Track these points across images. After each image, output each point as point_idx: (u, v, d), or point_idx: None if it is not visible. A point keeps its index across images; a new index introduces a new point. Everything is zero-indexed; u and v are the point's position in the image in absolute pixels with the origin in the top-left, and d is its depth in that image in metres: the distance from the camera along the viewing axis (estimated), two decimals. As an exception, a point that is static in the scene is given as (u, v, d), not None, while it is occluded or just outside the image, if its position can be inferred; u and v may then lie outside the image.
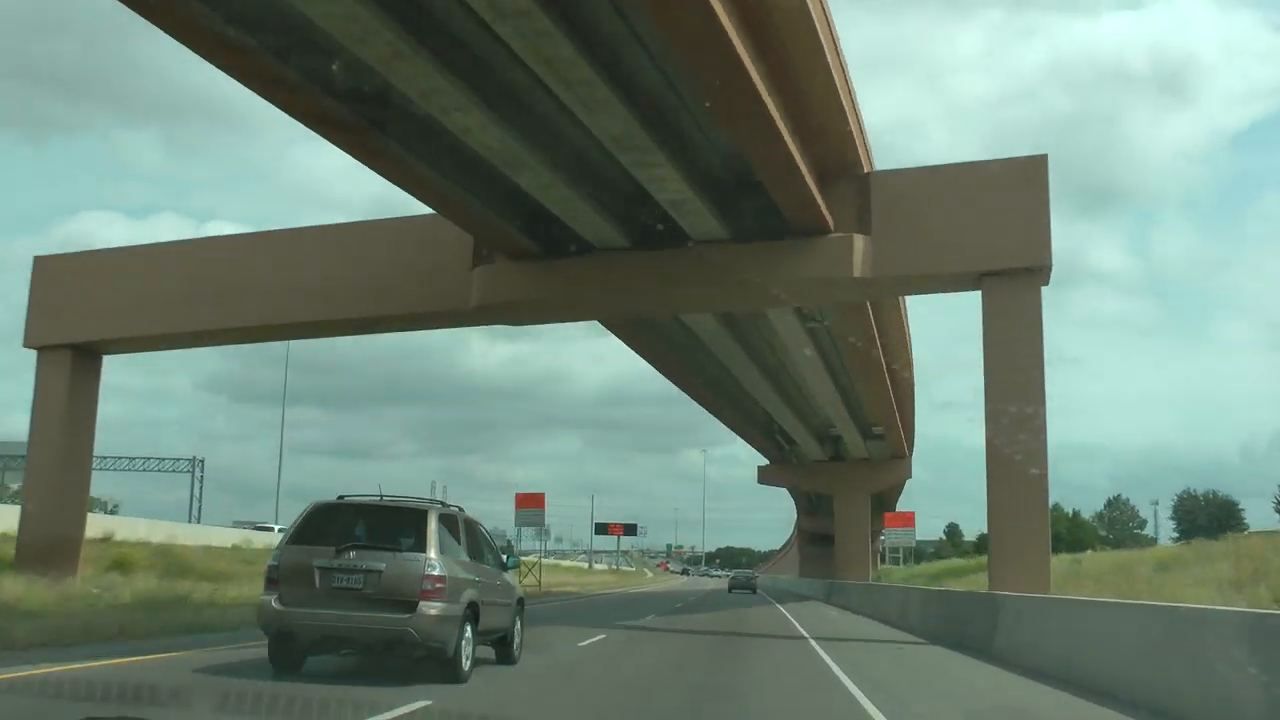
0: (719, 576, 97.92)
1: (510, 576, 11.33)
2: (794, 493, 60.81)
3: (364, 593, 8.55)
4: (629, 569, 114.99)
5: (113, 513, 53.51)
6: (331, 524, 9.13)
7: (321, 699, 6.99)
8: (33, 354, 22.35)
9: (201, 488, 59.45)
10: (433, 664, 8.81)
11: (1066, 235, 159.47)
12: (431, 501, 9.63)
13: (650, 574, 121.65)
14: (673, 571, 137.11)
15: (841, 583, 36.73)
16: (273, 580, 8.85)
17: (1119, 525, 73.04)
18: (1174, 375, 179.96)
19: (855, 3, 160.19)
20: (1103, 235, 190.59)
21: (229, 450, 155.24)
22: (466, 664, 9.02)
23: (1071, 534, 62.41)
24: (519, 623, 11.20)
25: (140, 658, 10.18)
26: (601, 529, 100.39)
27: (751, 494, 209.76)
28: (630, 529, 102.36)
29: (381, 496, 9.62)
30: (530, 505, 38.70)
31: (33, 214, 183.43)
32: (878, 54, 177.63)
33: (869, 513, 45.21)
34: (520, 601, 11.45)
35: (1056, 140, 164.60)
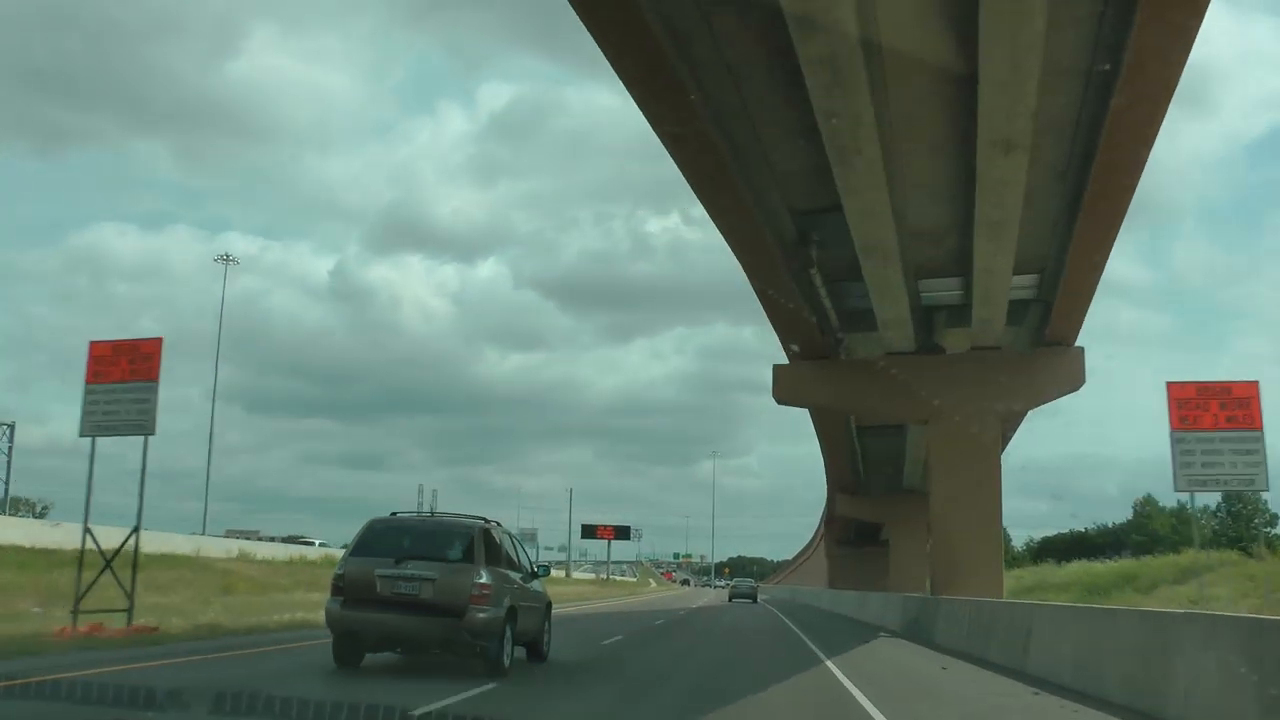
0: (720, 587, 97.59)
1: (538, 584, 12.86)
2: (830, 440, 35.62)
3: (420, 598, 10.08)
4: (627, 579, 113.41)
5: (41, 516, 42.14)
6: (389, 538, 10.70)
7: (393, 688, 8.53)
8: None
9: (9, 463, 42.37)
10: (478, 661, 10.33)
11: None
12: (476, 518, 11.18)
13: (654, 584, 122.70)
14: (676, 582, 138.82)
15: (972, 602, 17.21)
16: (338, 588, 10.40)
17: (1241, 521, 60.85)
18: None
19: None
20: (1120, 247, 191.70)
21: (242, 461, 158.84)
22: (507, 660, 10.55)
23: (1180, 534, 52.71)
24: (547, 625, 12.75)
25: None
26: (589, 532, 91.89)
27: (768, 503, 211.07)
28: (623, 532, 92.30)
29: (432, 513, 11.16)
30: (117, 371, 13.85)
31: (44, 226, 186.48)
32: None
33: (998, 455, 23.86)
34: (548, 606, 13.00)
35: None
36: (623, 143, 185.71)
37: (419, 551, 10.48)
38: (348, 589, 10.33)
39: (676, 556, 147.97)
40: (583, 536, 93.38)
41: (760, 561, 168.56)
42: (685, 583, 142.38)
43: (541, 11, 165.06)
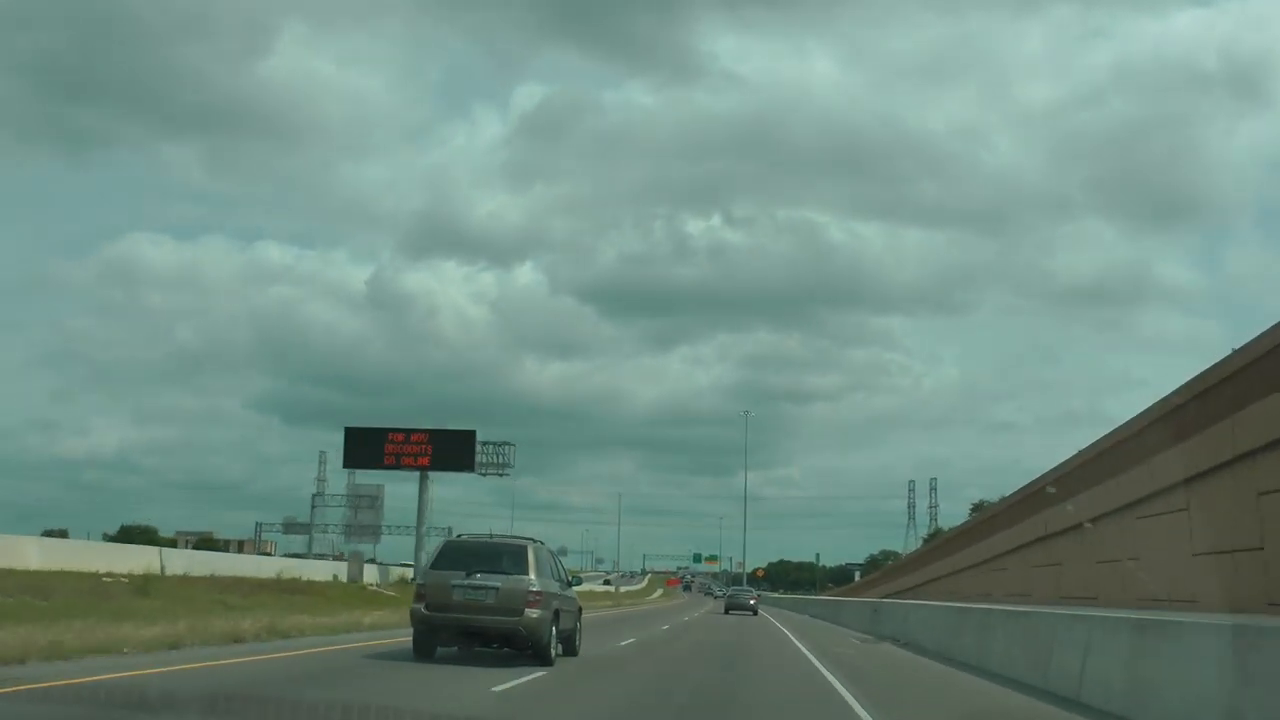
0: (719, 596, 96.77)
1: (572, 592, 17.32)
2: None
3: (486, 603, 14.40)
4: (614, 587, 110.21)
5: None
6: (459, 555, 15.08)
7: (469, 672, 13.04)
8: None
9: None
10: (530, 653, 14.67)
11: (1133, 250, 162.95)
12: (527, 539, 15.66)
13: (660, 592, 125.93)
14: (682, 591, 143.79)
15: None
16: (421, 594, 14.82)
17: None
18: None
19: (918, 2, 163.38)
20: (1172, 249, 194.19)
21: (284, 473, 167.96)
22: (552, 653, 14.95)
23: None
24: (578, 625, 17.16)
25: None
26: (362, 454, 51.86)
27: (812, 515, 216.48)
28: (455, 450, 51.09)
29: (491, 535, 15.71)
30: None
31: (77, 236, 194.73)
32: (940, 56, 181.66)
33: None
34: (579, 610, 17.43)
35: (1123, 148, 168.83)
36: (661, 142, 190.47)
37: (484, 565, 14.77)
38: (429, 595, 14.68)
39: (697, 559, 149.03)
40: (347, 463, 55.16)
41: (809, 567, 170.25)
42: (686, 587, 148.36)
43: (576, 3, 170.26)
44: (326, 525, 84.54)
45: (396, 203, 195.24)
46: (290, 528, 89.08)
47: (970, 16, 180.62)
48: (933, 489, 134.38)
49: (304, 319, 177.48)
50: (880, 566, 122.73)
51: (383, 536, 71.24)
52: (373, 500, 67.70)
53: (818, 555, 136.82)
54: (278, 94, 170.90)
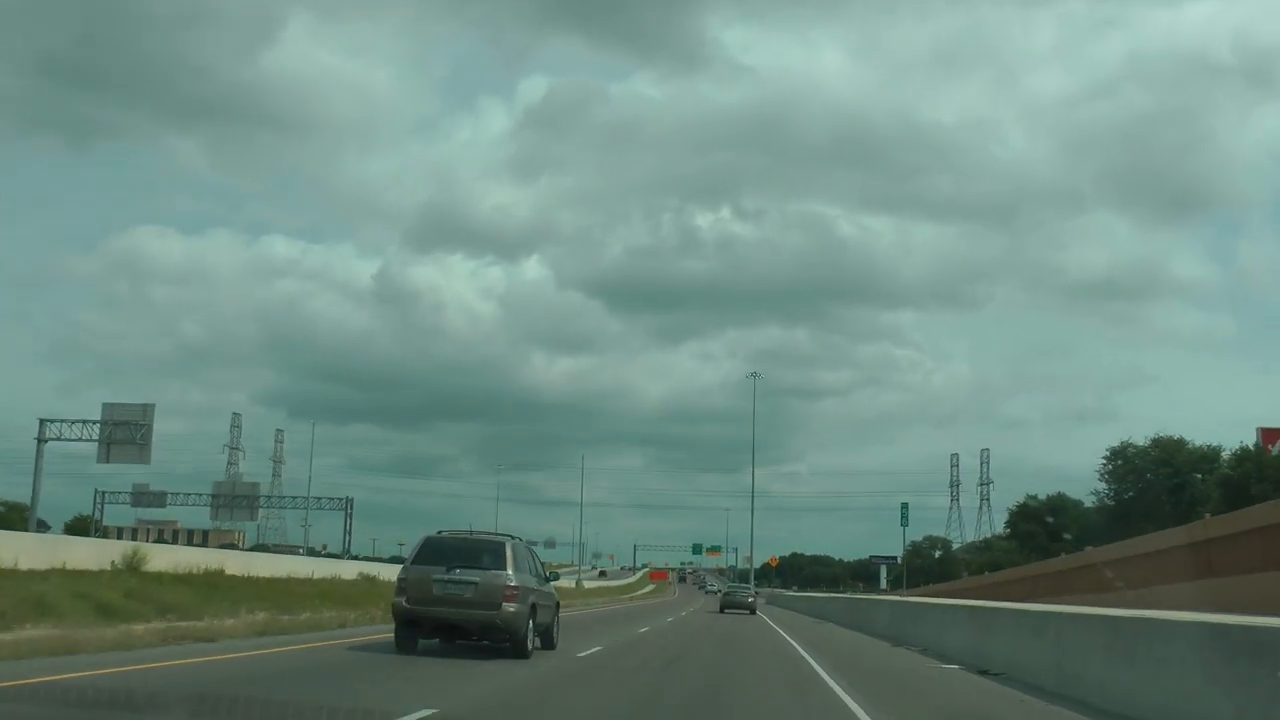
0: (713, 592, 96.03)
1: (550, 587, 18.40)
2: None
3: (465, 597, 15.51)
4: (575, 581, 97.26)
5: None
6: (439, 550, 16.18)
7: (457, 664, 14.11)
8: None
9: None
10: (507, 645, 15.76)
11: (1146, 243, 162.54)
12: (505, 535, 16.73)
13: (651, 588, 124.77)
14: (671, 583, 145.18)
15: None
16: (402, 589, 15.91)
17: None
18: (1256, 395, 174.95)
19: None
20: (1185, 243, 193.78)
21: (289, 468, 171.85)
22: (530, 646, 16.02)
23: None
24: (556, 620, 18.26)
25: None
26: None
27: (824, 510, 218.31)
28: None
29: (471, 531, 16.77)
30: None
31: (81, 229, 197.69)
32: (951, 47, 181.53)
33: None
34: (557, 605, 18.56)
35: (1135, 140, 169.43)
36: (668, 134, 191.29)
37: (464, 561, 15.87)
38: (409, 590, 15.78)
39: (697, 550, 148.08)
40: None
41: (827, 561, 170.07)
42: (682, 579, 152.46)
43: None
44: (190, 495, 76.20)
45: (403, 196, 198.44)
46: (141, 498, 75.29)
47: (980, 6, 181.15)
48: (984, 463, 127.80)
49: (311, 313, 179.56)
50: (926, 557, 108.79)
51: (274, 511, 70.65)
52: (135, 428, 44.99)
53: (904, 508, 78.14)
54: (283, 86, 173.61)
